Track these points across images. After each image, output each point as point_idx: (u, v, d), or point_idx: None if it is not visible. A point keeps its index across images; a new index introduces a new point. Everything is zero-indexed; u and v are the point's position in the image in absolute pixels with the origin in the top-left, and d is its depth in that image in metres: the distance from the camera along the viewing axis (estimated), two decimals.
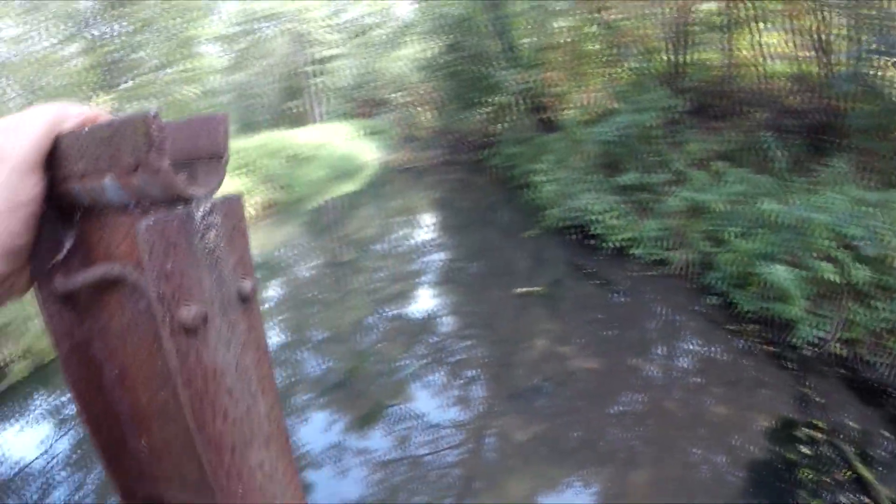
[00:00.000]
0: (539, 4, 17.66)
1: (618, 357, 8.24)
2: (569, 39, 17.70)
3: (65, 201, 0.81)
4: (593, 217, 11.87)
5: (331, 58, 36.06)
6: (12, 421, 12.12)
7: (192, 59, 28.93)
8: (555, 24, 18.20)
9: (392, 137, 31.20)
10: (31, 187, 0.70)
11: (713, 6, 14.04)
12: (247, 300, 0.80)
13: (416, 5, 28.28)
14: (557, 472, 6.39)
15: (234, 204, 0.77)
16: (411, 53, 31.20)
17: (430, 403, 8.13)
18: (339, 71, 36.75)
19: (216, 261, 0.75)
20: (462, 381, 8.47)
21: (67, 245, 0.87)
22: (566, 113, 17.51)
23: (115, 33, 26.04)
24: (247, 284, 0.79)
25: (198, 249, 0.72)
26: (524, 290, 10.49)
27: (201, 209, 0.72)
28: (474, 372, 8.67)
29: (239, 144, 25.15)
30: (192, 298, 0.71)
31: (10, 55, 21.09)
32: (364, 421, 8.08)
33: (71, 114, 0.73)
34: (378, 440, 7.71)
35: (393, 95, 32.13)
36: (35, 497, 9.21)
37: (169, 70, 28.11)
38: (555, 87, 17.98)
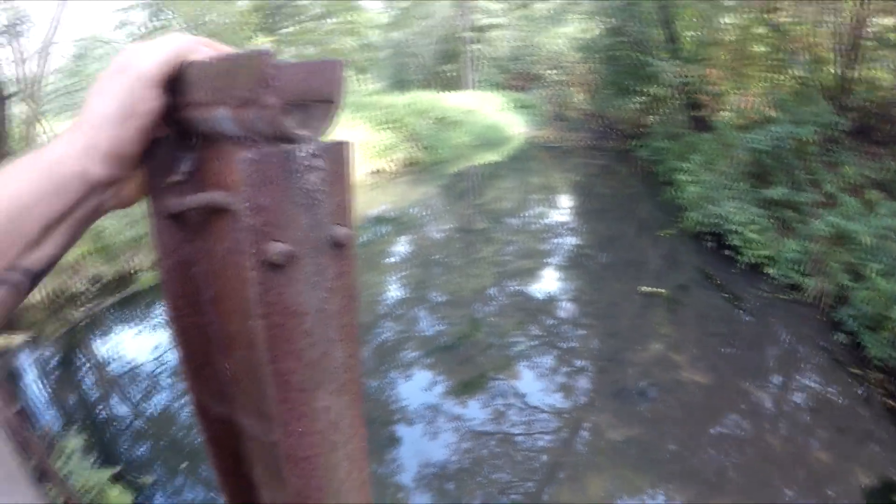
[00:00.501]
0: None
1: (730, 376, 7.94)
2: (734, 38, 16.54)
3: (185, 127, 0.87)
4: (733, 227, 11.31)
5: (491, 26, 35.61)
6: (132, 324, 13.73)
7: (354, 12, 29.73)
8: (722, 20, 17.06)
9: (541, 114, 30.85)
10: (148, 100, 0.72)
11: (892, 21, 12.57)
12: (340, 246, 0.81)
13: None
14: (641, 480, 6.32)
15: (340, 150, 0.77)
16: (571, 32, 30.29)
17: (532, 384, 8.22)
18: (497, 41, 36.38)
19: (313, 203, 0.75)
20: (569, 369, 8.49)
21: (184, 168, 0.92)
22: (721, 114, 16.49)
23: None
24: (342, 231, 0.79)
25: (295, 189, 0.73)
26: (649, 289, 10.29)
27: (304, 150, 0.73)
28: (583, 362, 8.67)
29: (388, 100, 25.89)
30: (282, 236, 0.73)
31: None
32: (465, 388, 8.37)
33: (200, 46, 0.76)
34: (474, 410, 7.91)
35: (547, 72, 31.53)
36: (138, 397, 10.42)
37: (330, 20, 29.04)
38: (713, 86, 16.95)
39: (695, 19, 18.23)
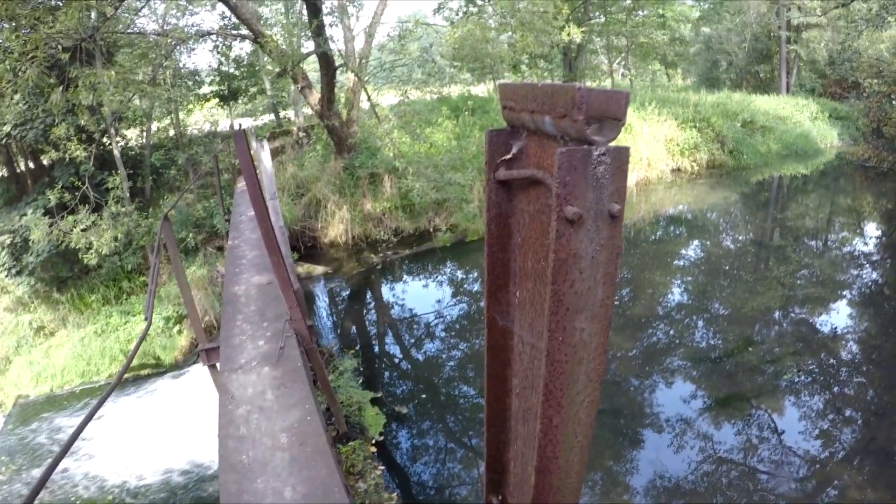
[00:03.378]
0: None
1: None
2: None
3: (518, 124, 1.28)
4: None
5: (808, 26, 30.89)
6: (421, 277, 15.16)
7: (664, 5, 28.02)
8: None
9: (857, 127, 26.41)
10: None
11: None
12: (614, 218, 1.13)
13: None
14: None
15: (622, 153, 1.08)
16: None
17: (792, 423, 7.56)
18: (814, 42, 31.50)
19: (600, 186, 1.10)
20: (835, 416, 7.59)
21: (514, 150, 1.34)
22: None
23: None
24: (616, 207, 1.12)
25: (589, 174, 1.07)
26: None
27: (598, 150, 1.05)
28: (853, 412, 7.64)
29: (696, 98, 24.38)
30: (577, 203, 1.07)
31: None
32: (721, 405, 7.95)
33: None
34: (726, 433, 7.54)
35: (867, 80, 26.51)
36: (411, 341, 11.40)
37: (640, 13, 27.87)
38: None
39: None
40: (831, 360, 8.84)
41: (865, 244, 14.16)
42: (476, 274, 14.28)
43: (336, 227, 16.05)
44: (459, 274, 14.68)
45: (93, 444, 9.32)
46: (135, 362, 11.45)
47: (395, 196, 16.59)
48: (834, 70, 32.26)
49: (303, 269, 14.69)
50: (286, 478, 4.55)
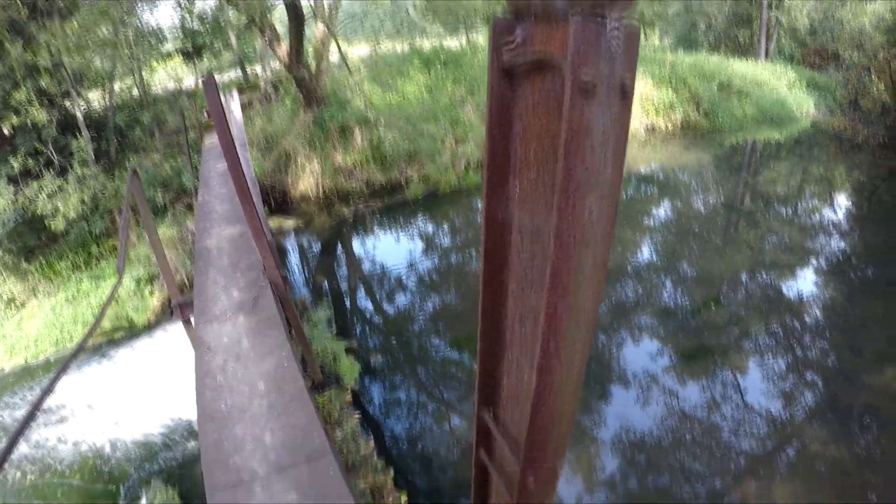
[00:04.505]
0: None
1: None
2: None
3: (524, 11, 1.27)
4: None
5: None
6: (392, 230, 15.25)
7: None
8: None
9: (835, 98, 26.91)
10: None
11: None
12: (625, 93, 1.19)
13: None
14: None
15: (633, 32, 1.14)
16: (880, 9, 25.39)
17: (756, 384, 7.94)
18: (796, 9, 31.68)
19: (612, 59, 1.13)
20: (798, 379, 7.99)
21: (519, 35, 1.32)
22: None
23: None
24: (628, 82, 1.18)
25: (602, 47, 1.11)
26: None
27: (611, 24, 1.09)
28: (815, 376, 8.05)
29: (673, 58, 24.53)
30: (591, 73, 1.11)
31: None
32: (686, 363, 8.32)
33: None
34: (691, 391, 7.90)
35: (847, 52, 26.79)
36: (383, 293, 11.62)
37: None
38: None
39: None
40: (796, 324, 9.24)
41: (835, 214, 14.61)
42: (447, 227, 14.51)
43: (306, 181, 16.11)
44: (431, 227, 14.84)
45: (68, 409, 9.42)
46: (108, 326, 11.49)
47: (367, 148, 16.64)
48: (814, 39, 32.44)
49: (274, 223, 14.75)
50: (265, 423, 4.72)
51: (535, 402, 1.51)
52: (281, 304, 5.92)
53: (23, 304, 13.18)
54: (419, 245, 13.81)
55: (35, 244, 14.29)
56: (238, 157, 5.52)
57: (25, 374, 10.98)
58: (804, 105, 25.78)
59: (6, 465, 8.38)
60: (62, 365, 3.00)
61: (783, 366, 8.22)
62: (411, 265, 12.57)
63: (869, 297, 9.96)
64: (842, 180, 17.51)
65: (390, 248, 13.78)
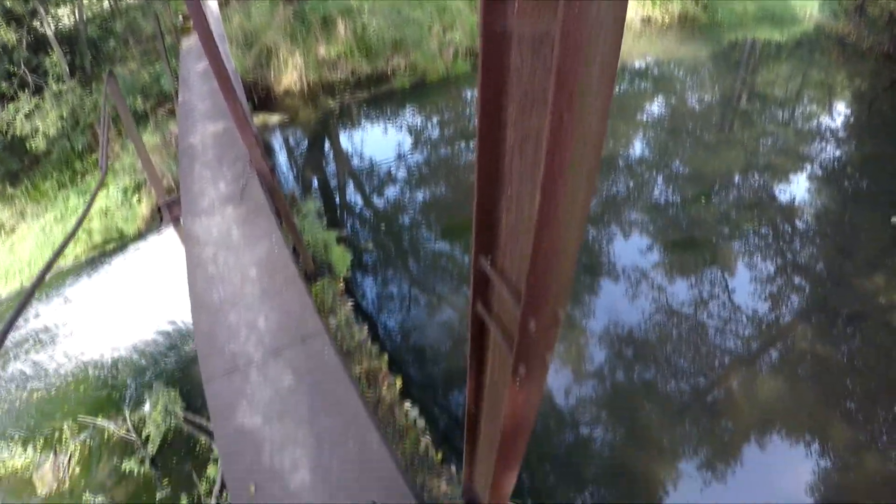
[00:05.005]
0: None
1: None
2: None
3: None
4: None
5: None
6: (379, 121, 14.94)
7: None
8: None
9: (839, 2, 26.03)
10: None
11: None
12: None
13: None
14: (820, 415, 6.06)
15: None
16: None
17: (744, 284, 8.03)
18: None
19: None
20: (785, 281, 8.08)
21: None
22: None
23: None
24: None
25: None
26: None
27: None
28: (802, 279, 8.13)
29: None
30: None
31: None
32: (675, 261, 8.43)
33: None
34: (680, 287, 8.00)
35: None
36: (373, 183, 11.59)
37: None
38: None
39: None
40: (787, 227, 9.30)
41: (833, 121, 14.40)
42: (436, 118, 14.30)
43: (290, 76, 15.66)
44: (420, 117, 14.62)
45: (68, 326, 9.53)
46: (98, 239, 11.47)
47: (350, 39, 16.08)
48: None
49: (258, 119, 14.51)
50: (259, 308, 4.78)
51: (537, 232, 1.45)
52: (269, 194, 5.88)
53: (12, 230, 13.16)
54: (408, 136, 13.66)
55: (18, 168, 14.16)
56: (218, 48, 5.31)
57: (22, 296, 11.03)
58: (807, 6, 24.90)
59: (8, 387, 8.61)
60: (53, 256, 2.98)
61: (773, 267, 8.33)
62: (400, 157, 12.50)
63: (863, 205, 9.95)
64: (842, 87, 17.15)
65: (378, 140, 13.63)
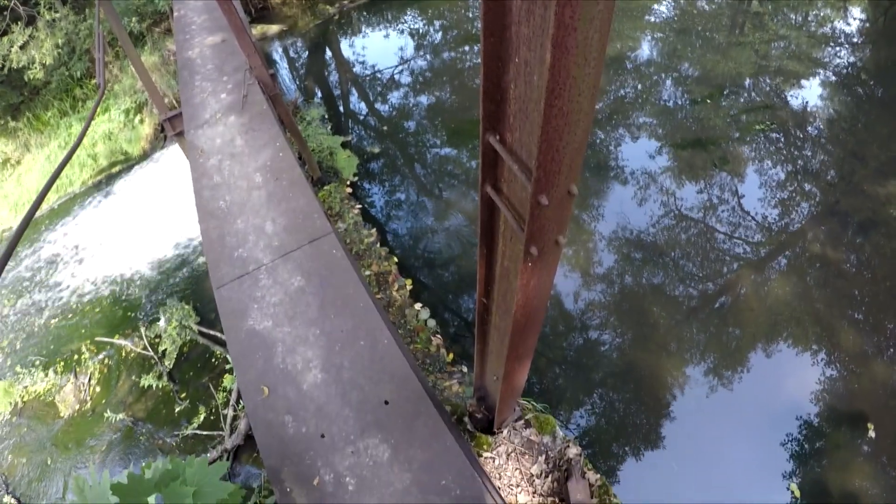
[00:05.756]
0: None
1: None
2: None
3: None
4: None
5: None
6: (379, 27, 14.33)
7: None
8: None
9: None
10: None
11: None
12: None
13: None
14: (825, 320, 6.03)
15: None
16: None
17: (754, 190, 7.90)
18: None
19: None
20: (795, 187, 7.91)
21: None
22: None
23: None
24: None
25: None
26: None
27: None
28: (813, 186, 7.92)
29: None
30: None
31: None
32: (684, 164, 8.29)
33: None
34: (689, 191, 7.86)
35: None
36: (376, 90, 11.33)
37: None
38: None
39: None
40: (799, 134, 9.03)
41: (849, 25, 13.75)
42: (438, 23, 13.85)
43: None
44: (421, 22, 14.16)
45: (81, 251, 9.61)
46: (104, 162, 11.42)
47: None
48: None
49: (257, 30, 14.16)
50: (266, 213, 4.77)
51: (547, 98, 1.37)
52: (271, 102, 5.76)
53: (18, 162, 13.17)
54: (410, 41, 13.26)
55: (18, 101, 14.00)
56: None
57: (33, 225, 11.10)
58: None
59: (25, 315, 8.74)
60: (58, 168, 2.92)
61: (783, 171, 8.20)
62: (403, 62, 12.20)
63: (876, 112, 9.61)
64: None
65: (380, 46, 13.27)
